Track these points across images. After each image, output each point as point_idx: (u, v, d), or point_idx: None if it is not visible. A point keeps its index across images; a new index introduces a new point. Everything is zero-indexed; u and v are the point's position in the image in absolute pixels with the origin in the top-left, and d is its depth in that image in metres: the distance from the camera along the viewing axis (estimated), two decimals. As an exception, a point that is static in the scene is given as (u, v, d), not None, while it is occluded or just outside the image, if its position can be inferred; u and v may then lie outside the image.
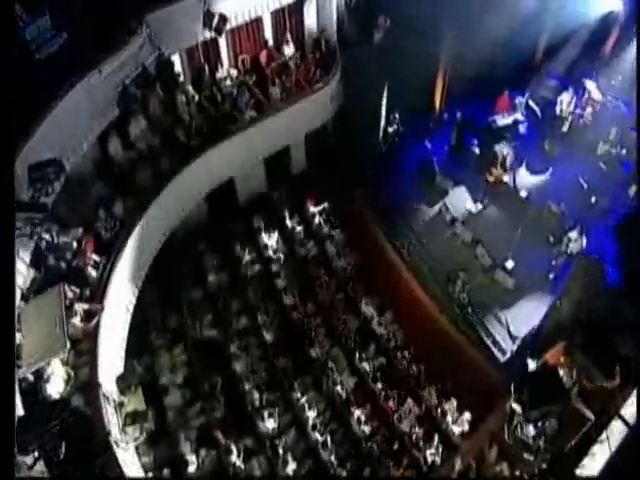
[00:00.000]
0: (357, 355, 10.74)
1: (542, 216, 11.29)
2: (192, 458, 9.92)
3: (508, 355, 9.61)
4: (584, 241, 10.29)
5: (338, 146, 12.98)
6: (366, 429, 9.93)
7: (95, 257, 9.03)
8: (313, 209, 12.74)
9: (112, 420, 8.00)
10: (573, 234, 10.35)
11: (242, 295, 11.94)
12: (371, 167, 12.56)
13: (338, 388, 10.37)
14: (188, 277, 12.37)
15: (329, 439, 9.84)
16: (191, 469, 9.82)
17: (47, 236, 8.85)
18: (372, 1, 12.52)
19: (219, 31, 9.67)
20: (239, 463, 9.79)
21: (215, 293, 12.02)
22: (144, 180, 9.73)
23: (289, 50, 12.23)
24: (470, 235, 11.35)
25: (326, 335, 11.18)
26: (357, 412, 10.06)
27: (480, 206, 11.87)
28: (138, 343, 11.30)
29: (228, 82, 11.46)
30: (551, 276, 10.52)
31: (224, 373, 10.94)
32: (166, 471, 9.71)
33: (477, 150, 12.77)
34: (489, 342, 9.88)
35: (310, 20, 12.19)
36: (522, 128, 12.97)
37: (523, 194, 11.76)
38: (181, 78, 10.89)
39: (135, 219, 9.53)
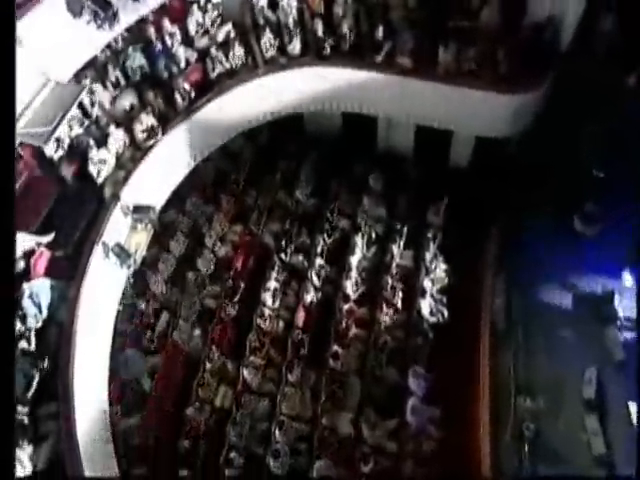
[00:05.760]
0: (372, 413, 8.13)
1: None
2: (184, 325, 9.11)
3: None
4: None
5: (511, 176, 9.23)
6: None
7: (187, 87, 8.38)
8: (434, 219, 10.01)
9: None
10: None
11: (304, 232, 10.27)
12: (537, 220, 8.70)
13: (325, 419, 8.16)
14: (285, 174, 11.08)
15: (285, 452, 7.87)
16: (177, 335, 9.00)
17: (169, 42, 8.44)
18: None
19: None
20: (207, 377, 8.71)
21: (293, 210, 10.64)
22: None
23: (488, 16, 8.24)
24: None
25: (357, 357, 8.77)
26: (324, 462, 7.82)
27: None
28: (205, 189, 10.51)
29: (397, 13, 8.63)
30: None
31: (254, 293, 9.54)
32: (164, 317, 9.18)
33: None
34: None
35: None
36: None
37: None
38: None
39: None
